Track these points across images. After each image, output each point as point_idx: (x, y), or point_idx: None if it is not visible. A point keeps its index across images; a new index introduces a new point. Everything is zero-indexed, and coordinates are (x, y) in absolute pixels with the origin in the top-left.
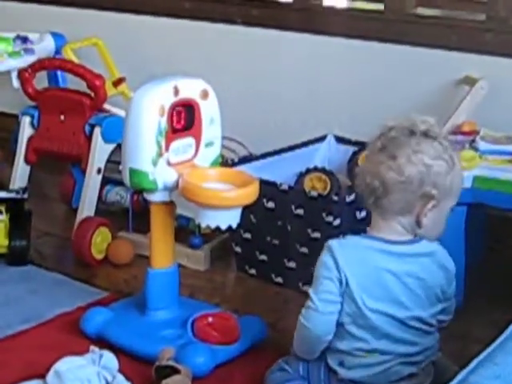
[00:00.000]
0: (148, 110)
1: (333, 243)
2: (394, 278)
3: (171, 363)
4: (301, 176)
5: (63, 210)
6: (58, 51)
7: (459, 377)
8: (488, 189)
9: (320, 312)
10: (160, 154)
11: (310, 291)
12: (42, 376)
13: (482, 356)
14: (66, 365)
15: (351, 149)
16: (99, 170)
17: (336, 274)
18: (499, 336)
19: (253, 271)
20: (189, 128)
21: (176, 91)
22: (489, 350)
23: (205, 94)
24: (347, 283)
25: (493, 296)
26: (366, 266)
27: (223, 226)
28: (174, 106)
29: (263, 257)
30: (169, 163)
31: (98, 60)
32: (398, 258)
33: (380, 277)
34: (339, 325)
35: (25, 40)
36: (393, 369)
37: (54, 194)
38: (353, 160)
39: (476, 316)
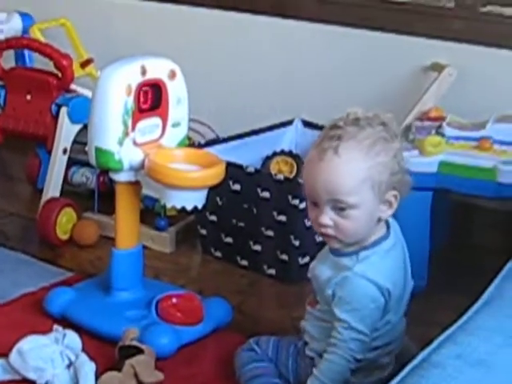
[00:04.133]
0: (115, 89)
1: (364, 271)
2: (405, 266)
3: (135, 343)
4: (267, 159)
5: (28, 191)
6: (25, 31)
7: (420, 356)
8: (453, 174)
9: (370, 340)
10: (126, 134)
11: (356, 324)
12: (5, 355)
13: (443, 336)
14: (29, 344)
15: (318, 133)
16: (65, 151)
17: (382, 299)
18: (460, 318)
19: (218, 254)
20: (156, 108)
21: (143, 71)
22: (450, 330)
23: (172, 74)
24: (389, 294)
25: (455, 281)
26: (393, 270)
27: (189, 207)
28: (141, 86)
29: (229, 239)
30: (135, 143)
31: (65, 41)
32: (395, 246)
33: (401, 272)
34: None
35: None
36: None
37: (20, 174)
38: None
39: (438, 300)
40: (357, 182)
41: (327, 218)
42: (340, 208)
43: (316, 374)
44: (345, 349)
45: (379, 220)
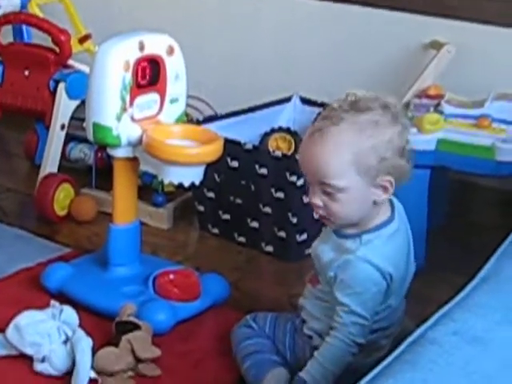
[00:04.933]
0: (113, 65)
1: (366, 255)
2: (409, 250)
3: (132, 319)
4: (265, 136)
5: (26, 166)
6: (23, 6)
7: (417, 333)
8: (451, 152)
9: (371, 324)
10: (124, 109)
11: (356, 307)
12: (2, 330)
13: (439, 313)
14: (26, 319)
15: (316, 110)
16: (63, 126)
17: (384, 283)
18: (457, 295)
19: (216, 230)
20: (154, 84)
21: (141, 46)
22: (447, 307)
23: (170, 50)
24: (391, 278)
25: (453, 259)
26: (396, 255)
27: (186, 183)
28: (139, 62)
29: (226, 216)
30: (133, 119)
31: (63, 16)
32: (399, 230)
33: (404, 256)
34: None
35: None
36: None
37: (18, 150)
38: None
39: (436, 278)
40: (342, 165)
41: (318, 199)
42: (328, 191)
43: (317, 356)
44: (345, 332)
45: (375, 203)
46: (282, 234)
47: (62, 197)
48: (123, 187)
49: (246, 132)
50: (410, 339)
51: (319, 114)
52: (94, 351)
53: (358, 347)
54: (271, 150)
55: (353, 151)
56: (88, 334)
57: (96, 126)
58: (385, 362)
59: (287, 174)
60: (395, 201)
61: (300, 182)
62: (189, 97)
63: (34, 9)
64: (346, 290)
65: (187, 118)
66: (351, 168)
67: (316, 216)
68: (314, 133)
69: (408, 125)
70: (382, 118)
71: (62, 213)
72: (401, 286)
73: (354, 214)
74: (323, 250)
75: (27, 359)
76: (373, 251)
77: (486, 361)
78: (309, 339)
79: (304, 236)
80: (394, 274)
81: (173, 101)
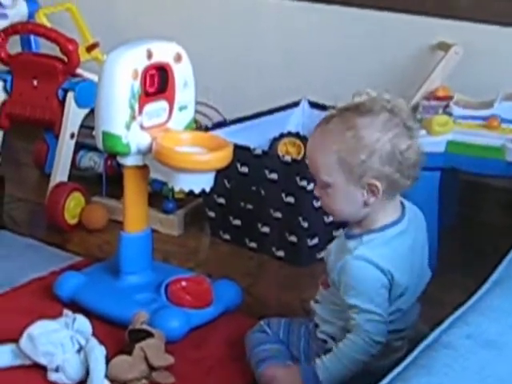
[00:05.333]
0: (121, 73)
1: (363, 253)
2: (413, 254)
3: (145, 327)
4: (274, 141)
5: (36, 176)
6: (31, 16)
7: (431, 337)
8: (461, 153)
9: (387, 321)
10: (133, 118)
11: (365, 306)
12: (15, 340)
13: (453, 316)
14: (39, 329)
15: (325, 114)
16: (72, 135)
17: (385, 278)
18: (470, 298)
19: (227, 236)
20: (162, 91)
21: (149, 54)
22: (460, 310)
23: (178, 58)
24: (393, 277)
25: (464, 261)
26: (401, 254)
27: (196, 190)
28: (147, 70)
29: (237, 222)
30: (142, 127)
31: (71, 25)
32: (407, 232)
33: (409, 258)
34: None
35: None
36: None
37: (27, 159)
38: None
39: (448, 280)
40: (328, 162)
41: (317, 191)
42: (321, 184)
43: (335, 351)
44: (361, 332)
45: (366, 204)
46: (293, 238)
47: (73, 205)
48: (134, 195)
49: (255, 137)
50: (424, 343)
51: None
52: (108, 360)
53: (378, 347)
54: (281, 154)
55: (336, 150)
56: (101, 342)
57: (105, 134)
58: (400, 367)
59: (297, 179)
60: (409, 205)
61: (310, 187)
62: (197, 103)
63: (41, 18)
64: (351, 292)
65: (196, 125)
66: (336, 166)
67: (328, 219)
68: (313, 130)
69: (411, 134)
70: (375, 122)
71: (72, 221)
72: (410, 289)
73: (344, 210)
74: (330, 250)
75: (41, 369)
76: (371, 250)
77: (500, 365)
78: (323, 343)
79: (315, 240)
80: (396, 275)
81: (182, 108)
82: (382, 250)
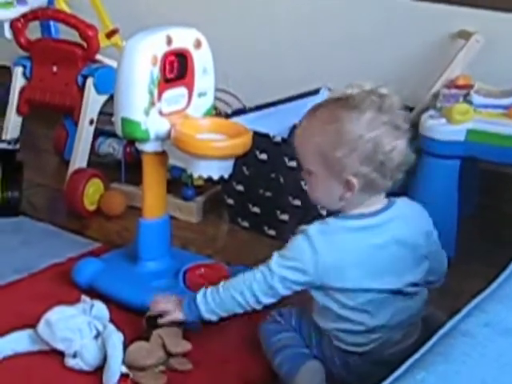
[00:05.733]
0: (140, 59)
1: (311, 230)
2: (382, 251)
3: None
4: (294, 128)
5: (55, 162)
6: (50, 2)
7: (449, 325)
8: (481, 142)
9: (279, 295)
10: (152, 104)
11: (274, 266)
12: (33, 326)
13: (471, 304)
14: (57, 315)
15: None
16: (92, 121)
17: (312, 263)
18: (488, 287)
19: (245, 224)
20: (181, 77)
21: (169, 40)
22: (479, 298)
23: (198, 44)
24: (328, 270)
25: (484, 250)
26: (354, 249)
27: (215, 176)
28: (166, 56)
29: (256, 209)
30: (161, 113)
31: (90, 11)
32: (380, 228)
33: (370, 255)
34: (327, 309)
35: None
36: (387, 339)
37: (47, 145)
38: None
39: (467, 270)
40: (309, 152)
41: (303, 174)
42: (304, 170)
43: (222, 285)
44: (251, 279)
45: (341, 199)
46: None
47: (92, 192)
48: (152, 181)
49: (275, 125)
50: (442, 331)
51: None
52: (125, 346)
53: (254, 300)
54: None
55: (318, 142)
56: (119, 328)
57: (124, 120)
58: (417, 355)
59: None
60: (405, 203)
61: None
62: (216, 90)
63: (61, 4)
64: (277, 252)
65: (215, 112)
66: (317, 157)
67: None
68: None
69: (398, 134)
70: (361, 119)
71: (91, 208)
72: (365, 284)
73: (322, 199)
74: None
75: (59, 354)
76: (319, 231)
77: None
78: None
79: None
80: (332, 265)
81: (201, 94)
82: (332, 238)
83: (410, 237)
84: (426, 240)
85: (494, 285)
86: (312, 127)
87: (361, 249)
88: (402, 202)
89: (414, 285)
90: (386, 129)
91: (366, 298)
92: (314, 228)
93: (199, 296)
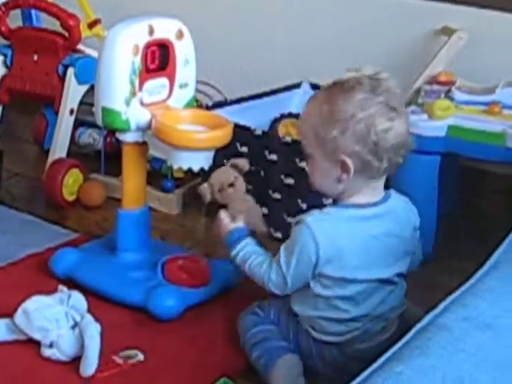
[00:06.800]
0: (122, 49)
1: (310, 221)
2: (377, 242)
3: None
4: (275, 122)
5: (35, 151)
6: None
7: (427, 319)
8: (462, 138)
9: (289, 289)
10: (133, 94)
11: (284, 265)
12: (10, 315)
13: (450, 299)
14: (34, 304)
15: None
16: (72, 111)
17: (314, 255)
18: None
19: None
20: (163, 68)
21: (151, 30)
22: (457, 293)
23: (180, 35)
24: (329, 260)
25: (463, 246)
26: (352, 238)
27: (195, 168)
28: (148, 46)
29: None
30: (142, 103)
31: (72, 1)
32: (377, 219)
33: (365, 245)
34: (318, 296)
35: None
36: (366, 329)
37: (26, 135)
38: None
39: (446, 266)
40: (307, 134)
41: (306, 160)
42: (305, 154)
43: (253, 252)
44: (266, 271)
45: (339, 181)
46: (292, 219)
47: (71, 182)
48: (132, 172)
49: (256, 118)
50: (419, 325)
51: None
52: (102, 337)
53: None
54: (281, 135)
55: (313, 123)
56: (96, 319)
57: (105, 110)
58: (394, 348)
59: (297, 160)
60: (398, 197)
61: None
62: (198, 82)
63: None
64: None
65: (196, 104)
66: (313, 139)
67: (326, 201)
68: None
69: (393, 115)
70: (353, 98)
71: (70, 198)
72: (363, 275)
73: (321, 183)
74: None
75: (35, 344)
76: (319, 221)
77: (496, 348)
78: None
79: None
80: (332, 255)
81: (182, 86)
82: (329, 226)
83: (402, 230)
84: (413, 234)
85: (473, 279)
86: (309, 110)
87: (359, 238)
88: (396, 195)
89: (400, 275)
90: (380, 108)
91: (360, 287)
92: (313, 217)
93: (234, 250)
